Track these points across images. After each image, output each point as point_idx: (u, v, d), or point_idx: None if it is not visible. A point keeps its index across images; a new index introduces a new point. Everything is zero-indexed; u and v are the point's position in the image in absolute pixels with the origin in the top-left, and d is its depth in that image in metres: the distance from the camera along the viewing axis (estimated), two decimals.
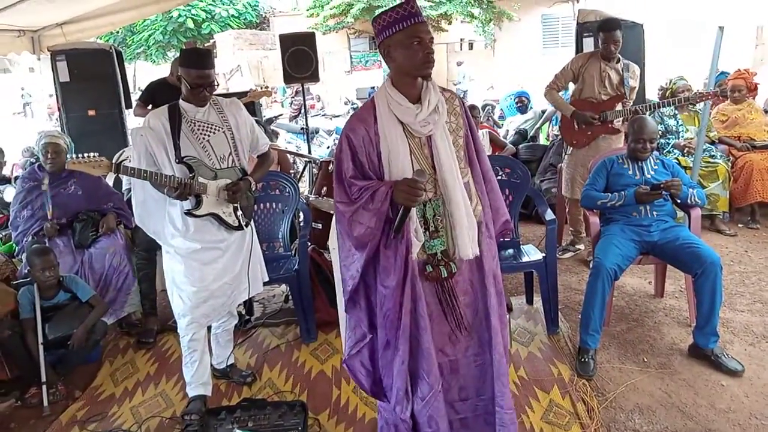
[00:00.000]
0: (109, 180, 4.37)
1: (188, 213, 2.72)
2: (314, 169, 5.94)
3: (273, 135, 7.66)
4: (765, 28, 13.27)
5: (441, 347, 2.23)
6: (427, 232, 2.12)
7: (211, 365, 3.15)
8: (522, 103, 7.89)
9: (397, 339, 2.13)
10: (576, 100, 4.60)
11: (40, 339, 3.20)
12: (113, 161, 2.69)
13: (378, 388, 2.31)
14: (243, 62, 19.33)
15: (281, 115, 10.84)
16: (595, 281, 3.22)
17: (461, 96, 2.29)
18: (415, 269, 2.11)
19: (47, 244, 3.59)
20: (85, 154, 2.60)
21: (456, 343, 2.25)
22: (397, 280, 2.09)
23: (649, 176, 3.57)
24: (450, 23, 20.50)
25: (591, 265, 3.33)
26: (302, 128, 7.97)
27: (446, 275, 2.14)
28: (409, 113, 2.05)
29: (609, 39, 4.32)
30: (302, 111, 9.16)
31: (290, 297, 3.97)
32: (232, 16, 22.04)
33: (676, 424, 2.73)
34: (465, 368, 2.28)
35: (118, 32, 20.73)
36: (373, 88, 16.68)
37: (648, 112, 4.42)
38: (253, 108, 6.11)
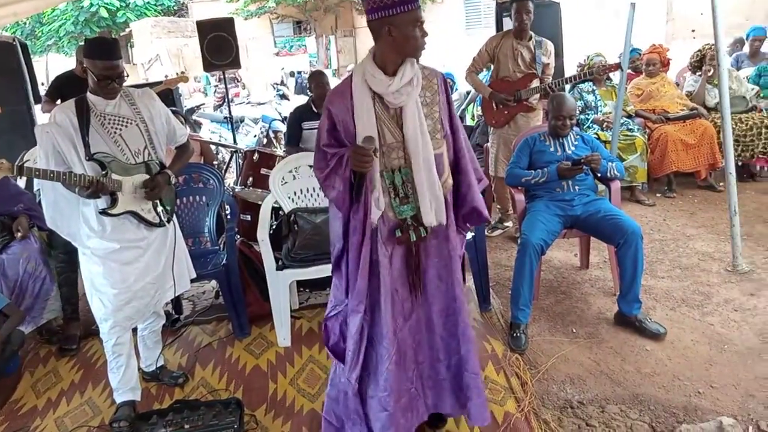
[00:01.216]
0: (21, 181, 4.12)
1: (103, 212, 2.59)
2: (240, 160, 5.80)
3: (196, 125, 7.44)
4: (675, 3, 13.84)
5: (407, 313, 2.32)
6: (398, 198, 2.23)
7: (140, 368, 3.03)
8: None
9: (356, 302, 2.24)
10: (494, 80, 4.70)
11: None
12: (15, 163, 2.52)
13: (336, 350, 2.39)
14: (162, 51, 18.66)
15: (204, 104, 10.55)
16: (522, 257, 3.28)
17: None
18: (372, 234, 2.22)
19: None
20: None
21: (425, 306, 2.34)
22: (357, 244, 2.21)
23: (569, 152, 3.65)
24: None
25: (519, 242, 3.38)
26: (226, 117, 7.77)
27: (415, 239, 2.24)
28: (382, 84, 2.14)
29: (521, 8, 4.40)
30: (224, 100, 8.94)
31: (220, 293, 3.86)
32: (148, 3, 21.22)
33: (605, 390, 2.83)
34: (431, 332, 2.37)
35: (24, 23, 19.60)
36: (299, 72, 16.42)
37: (559, 88, 4.52)
38: (172, 97, 5.91)
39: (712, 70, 5.70)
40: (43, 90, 5.70)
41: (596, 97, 5.55)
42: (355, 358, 2.29)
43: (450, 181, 2.33)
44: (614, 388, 2.85)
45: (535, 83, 4.52)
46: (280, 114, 9.65)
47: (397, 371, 2.29)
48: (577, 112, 5.21)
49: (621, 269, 3.31)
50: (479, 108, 7.39)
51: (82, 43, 3.01)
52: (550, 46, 4.56)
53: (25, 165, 2.48)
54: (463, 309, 2.37)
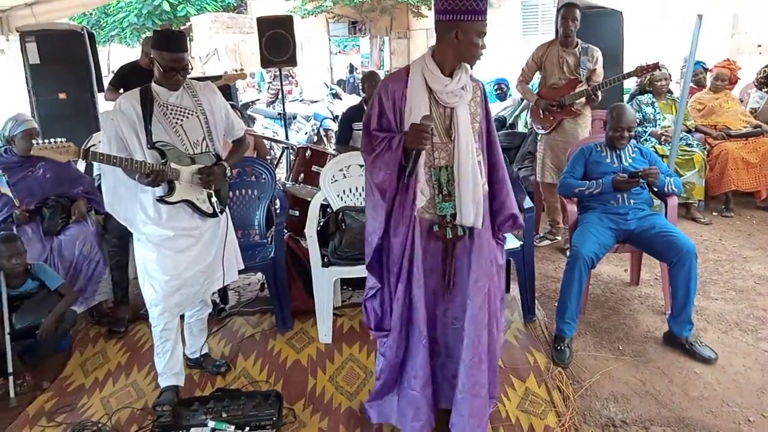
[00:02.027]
0: (81, 165, 4.26)
1: (160, 200, 2.65)
2: (291, 156, 5.87)
3: (249, 120, 7.55)
4: (741, 17, 13.39)
5: (437, 306, 2.43)
6: (440, 195, 2.31)
7: (184, 355, 3.10)
8: (501, 90, 7.88)
9: (397, 285, 2.35)
10: (542, 87, 4.73)
11: (7, 329, 3.11)
12: (82, 147, 2.61)
13: (380, 326, 2.48)
14: (220, 46, 19.02)
15: (258, 100, 10.71)
16: (572, 269, 3.22)
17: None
18: (417, 226, 2.32)
19: (15, 231, 3.50)
20: (52, 140, 2.52)
21: (452, 304, 2.42)
22: (404, 231, 2.31)
23: (626, 164, 3.56)
24: (430, 9, 20.35)
25: (568, 254, 3.32)
26: (279, 114, 7.88)
27: (451, 236, 2.33)
28: (440, 82, 2.24)
29: (567, 14, 4.42)
30: (278, 96, 9.05)
31: (266, 285, 3.91)
32: None
33: (650, 411, 2.75)
34: (443, 327, 2.46)
35: (91, 14, 20.27)
36: (352, 73, 16.56)
37: (602, 91, 4.44)
38: (229, 92, 6.01)
39: None
40: (106, 79, 5.88)
41: (655, 110, 5.41)
42: (398, 338, 2.42)
43: (486, 187, 2.40)
44: (659, 410, 2.76)
45: (580, 88, 4.48)
46: (332, 113, 9.73)
47: (426, 358, 2.40)
48: (635, 124, 5.09)
49: (673, 289, 3.21)
50: (530, 115, 7.33)
51: (148, 35, 3.09)
52: (596, 52, 4.51)
53: (91, 149, 2.56)
54: (499, 322, 2.51)
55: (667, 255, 3.23)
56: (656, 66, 4.30)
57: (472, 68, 2.32)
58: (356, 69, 16.67)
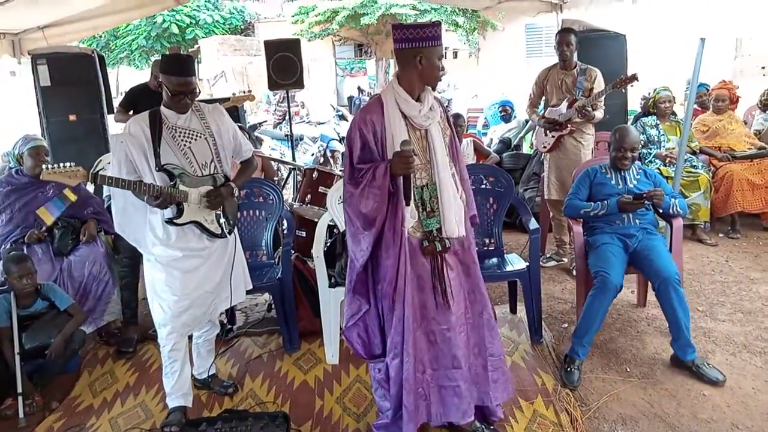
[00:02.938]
0: (90, 186, 4.31)
1: (169, 221, 2.68)
2: (298, 177, 5.91)
3: (257, 142, 7.62)
4: (744, 40, 13.48)
5: (434, 316, 2.54)
6: (425, 212, 2.48)
7: (192, 375, 3.10)
8: (506, 112, 7.93)
9: (395, 302, 2.46)
10: (545, 109, 4.83)
11: (17, 349, 3.13)
12: (91, 170, 2.65)
13: (370, 352, 2.61)
14: (227, 68, 19.25)
15: (265, 121, 10.79)
16: (601, 296, 3.20)
17: (446, 104, 2.65)
18: (406, 244, 2.43)
19: (25, 251, 3.53)
20: (61, 164, 2.57)
21: (447, 315, 2.53)
22: (396, 253, 2.42)
23: (631, 186, 3.59)
24: None
25: (596, 279, 3.27)
26: (286, 135, 7.94)
27: (440, 249, 2.49)
28: (414, 108, 2.42)
29: (562, 40, 4.56)
30: (286, 118, 9.12)
31: (273, 306, 3.93)
32: (217, 21, 21.96)
33: None
34: (456, 338, 2.55)
35: (100, 36, 20.53)
36: (359, 94, 16.69)
37: (591, 106, 4.48)
38: (237, 114, 6.08)
39: None
40: (115, 101, 5.95)
41: (659, 132, 5.44)
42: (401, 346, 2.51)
43: (464, 196, 2.61)
44: None
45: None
46: (338, 134, 9.79)
47: (413, 372, 2.49)
48: (640, 146, 5.12)
49: (665, 313, 3.23)
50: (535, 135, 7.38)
51: (158, 58, 3.14)
52: (594, 72, 4.58)
53: (99, 173, 2.59)
54: (488, 306, 2.66)
55: (652, 280, 3.26)
56: (634, 77, 4.35)
57: (434, 89, 2.52)
58: (364, 91, 16.82)
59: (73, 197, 3.74)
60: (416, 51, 2.34)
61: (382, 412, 2.69)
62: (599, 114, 4.52)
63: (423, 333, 2.54)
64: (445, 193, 2.47)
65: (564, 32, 4.60)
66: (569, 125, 4.59)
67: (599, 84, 4.56)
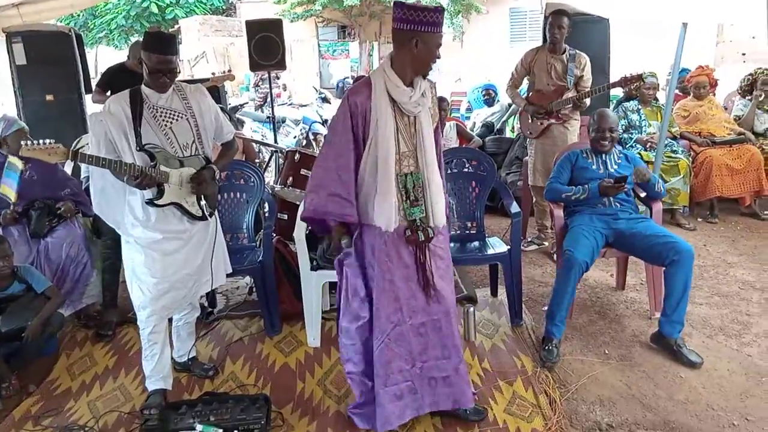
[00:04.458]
0: (68, 167, 4.24)
1: (149, 202, 2.65)
2: (280, 159, 5.86)
3: (238, 123, 7.54)
4: (725, 26, 13.57)
5: (423, 307, 2.51)
6: (408, 201, 2.42)
7: (172, 358, 3.09)
8: (489, 96, 7.92)
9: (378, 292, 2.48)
10: (531, 93, 4.79)
11: None
12: (71, 148, 2.60)
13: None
14: (209, 49, 18.99)
15: (247, 103, 10.68)
16: (567, 273, 3.23)
17: None
18: (385, 237, 2.41)
19: (1, 233, 3.47)
20: (41, 141, 2.50)
21: (436, 304, 2.52)
22: (371, 242, 2.45)
23: (612, 170, 3.61)
24: None
25: (562, 257, 3.32)
26: (268, 117, 7.87)
27: (423, 239, 2.43)
28: (404, 94, 2.34)
29: (554, 22, 4.46)
30: (266, 100, 9.04)
31: (254, 289, 3.91)
32: (198, 1, 21.61)
33: (636, 415, 2.78)
34: (446, 327, 2.54)
35: (79, 15, 20.13)
36: (342, 79, 16.57)
37: (611, 104, 4.48)
38: (218, 95, 6.00)
39: (763, 95, 5.59)
40: (93, 81, 5.85)
41: (641, 117, 5.47)
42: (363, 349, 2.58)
43: (443, 183, 2.57)
44: (645, 413, 2.79)
45: (568, 95, 4.53)
46: (321, 116, 9.73)
47: (389, 361, 2.48)
48: (621, 130, 5.14)
49: (669, 289, 3.22)
50: (519, 120, 7.39)
51: (137, 38, 3.07)
52: (584, 58, 4.56)
53: (80, 151, 2.55)
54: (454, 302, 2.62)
55: (666, 255, 3.21)
56: (639, 77, 4.34)
57: (425, 78, 2.42)
58: (343, 78, 16.68)
59: (19, 164, 3.59)
60: (413, 34, 2.26)
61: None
62: (587, 101, 4.53)
63: (412, 325, 2.52)
64: (433, 182, 2.44)
65: (557, 14, 4.48)
66: (559, 114, 4.56)
67: (588, 71, 4.55)
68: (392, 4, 2.36)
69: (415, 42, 2.27)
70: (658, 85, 5.64)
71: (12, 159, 3.59)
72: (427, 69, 2.38)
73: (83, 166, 4.19)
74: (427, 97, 2.42)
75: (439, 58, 2.35)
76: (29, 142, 2.48)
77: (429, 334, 2.54)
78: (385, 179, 2.35)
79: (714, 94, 6.09)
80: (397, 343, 2.50)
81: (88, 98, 5.76)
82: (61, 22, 8.86)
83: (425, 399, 2.60)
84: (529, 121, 4.73)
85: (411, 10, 2.24)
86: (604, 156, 3.64)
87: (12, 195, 3.58)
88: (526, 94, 4.85)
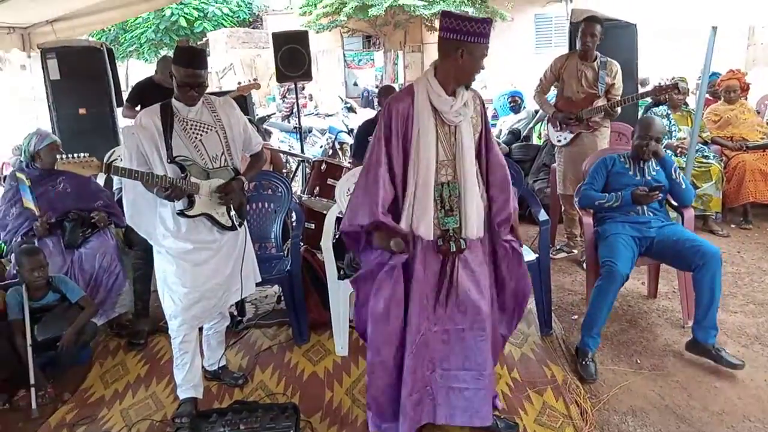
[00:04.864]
0: (100, 179, 4.33)
1: (180, 213, 2.69)
2: (307, 169, 5.90)
3: (265, 134, 7.62)
4: (757, 28, 13.31)
5: (436, 319, 2.48)
6: (443, 210, 2.40)
7: (203, 367, 3.12)
8: (515, 103, 7.89)
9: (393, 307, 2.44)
10: (559, 99, 4.71)
11: (29, 341, 3.16)
12: (104, 161, 2.66)
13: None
14: (236, 60, 19.24)
15: (274, 113, 10.78)
16: (608, 285, 3.18)
17: None
18: (418, 243, 2.40)
19: (36, 244, 3.55)
20: (75, 154, 2.56)
21: (463, 314, 2.47)
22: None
23: (649, 178, 3.55)
24: None
25: (603, 268, 3.25)
26: (295, 127, 7.93)
27: (455, 250, 2.40)
28: (445, 103, 2.33)
29: (587, 29, 4.38)
30: (293, 110, 9.11)
31: (282, 298, 3.94)
32: (225, 14, 21.91)
33: (669, 426, 2.73)
34: (456, 341, 2.51)
35: (110, 30, 20.53)
36: (366, 88, 16.64)
37: (640, 109, 4.42)
38: (245, 106, 6.07)
39: None
40: (125, 94, 5.97)
41: (671, 122, 5.40)
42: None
43: (484, 195, 2.51)
44: (679, 424, 2.74)
45: (598, 103, 4.47)
46: (346, 126, 9.78)
47: (414, 368, 2.44)
48: (663, 135, 5.08)
49: (698, 293, 3.17)
50: (546, 127, 7.34)
51: (166, 53, 3.13)
52: (615, 66, 4.49)
53: (113, 164, 2.60)
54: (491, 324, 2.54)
55: (692, 260, 3.18)
56: (675, 86, 4.27)
57: (468, 88, 2.41)
58: (366, 88, 16.78)
59: (24, 178, 3.70)
60: (459, 44, 2.25)
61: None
62: (619, 109, 4.47)
63: (436, 332, 2.50)
64: (469, 192, 2.40)
65: (590, 21, 4.39)
66: (590, 122, 4.50)
67: (619, 79, 4.49)
68: (440, 13, 2.37)
69: (461, 52, 2.26)
70: (688, 90, 5.56)
71: (18, 174, 3.73)
72: (470, 79, 2.37)
73: (116, 178, 4.27)
74: (469, 107, 2.39)
75: (483, 69, 2.34)
76: (64, 156, 2.55)
77: (452, 342, 2.52)
78: (425, 187, 2.35)
79: (746, 98, 5.97)
80: (421, 349, 2.48)
81: (119, 111, 5.87)
82: (93, 37, 9.08)
83: (441, 410, 2.55)
84: (558, 129, 4.67)
85: (458, 20, 2.25)
86: (642, 163, 3.58)
87: (32, 207, 3.68)
88: (554, 101, 4.79)
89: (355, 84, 18.17)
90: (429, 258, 2.42)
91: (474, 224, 2.42)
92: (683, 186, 3.54)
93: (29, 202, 3.68)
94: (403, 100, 2.35)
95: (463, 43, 2.25)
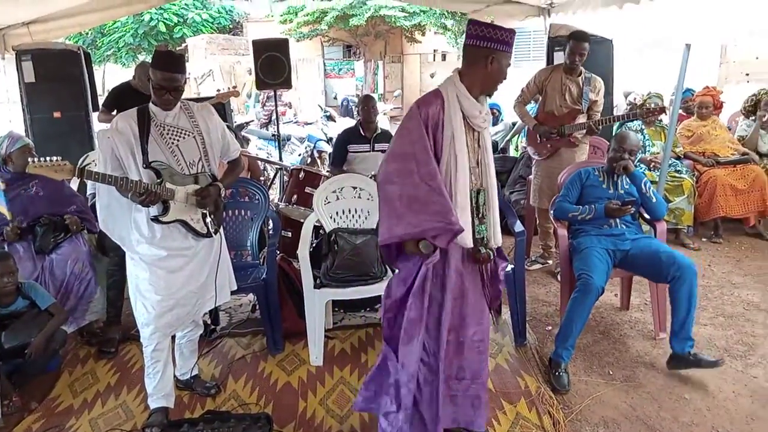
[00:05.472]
0: (74, 184, 4.27)
1: (155, 219, 2.66)
2: (285, 177, 5.89)
3: (244, 141, 7.58)
4: (729, 47, 13.62)
5: (472, 326, 2.48)
6: (477, 218, 2.38)
7: (174, 376, 3.07)
8: (493, 115, 7.95)
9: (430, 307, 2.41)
10: (540, 112, 4.69)
11: None
12: (77, 165, 2.62)
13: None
14: (215, 67, 19.13)
15: (252, 121, 10.74)
16: (583, 297, 3.20)
17: None
18: (454, 253, 2.36)
19: (6, 249, 3.49)
20: (48, 158, 2.52)
21: (481, 325, 2.49)
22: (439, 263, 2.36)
23: (622, 192, 3.60)
24: (423, 34, 20.61)
25: (578, 281, 3.27)
26: (273, 135, 7.91)
27: (487, 258, 2.40)
28: (475, 107, 2.34)
29: (576, 48, 4.35)
30: (271, 118, 9.08)
31: (257, 306, 3.91)
32: (205, 20, 21.79)
33: None
34: (469, 350, 2.50)
35: (87, 33, 20.30)
36: (346, 97, 16.65)
37: (615, 125, 4.47)
38: (224, 112, 6.04)
39: (766, 116, 5.60)
40: (101, 98, 5.90)
41: (644, 137, 5.48)
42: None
43: None
44: None
45: (581, 119, 4.49)
46: (325, 135, 9.78)
47: (431, 375, 2.43)
48: (638, 150, 5.16)
49: (675, 305, 3.21)
50: (524, 140, 7.41)
51: (144, 58, 3.10)
52: (599, 82, 4.52)
53: (86, 168, 2.56)
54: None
55: (668, 272, 3.23)
56: (663, 110, 4.34)
57: (490, 97, 2.45)
58: (345, 97, 16.81)
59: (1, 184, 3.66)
60: (490, 51, 2.27)
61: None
62: (601, 126, 4.50)
63: (458, 341, 2.49)
64: (493, 199, 2.42)
65: (578, 41, 4.34)
66: (571, 138, 4.51)
67: (602, 95, 4.52)
68: (467, 21, 2.38)
69: (491, 59, 2.27)
70: (664, 108, 5.65)
71: None
72: (495, 87, 2.38)
73: (89, 183, 4.22)
74: (489, 115, 2.43)
75: (505, 78, 2.36)
76: (36, 159, 2.51)
77: (466, 352, 2.50)
78: (463, 193, 2.31)
79: (718, 115, 6.10)
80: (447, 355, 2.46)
81: (95, 116, 5.80)
82: (69, 40, 8.96)
83: (459, 416, 2.56)
84: (538, 141, 4.66)
85: (489, 28, 2.27)
86: (615, 177, 3.64)
87: (5, 211, 3.62)
88: (535, 114, 4.77)
89: (335, 98, 18.22)
90: (460, 266, 2.40)
91: (499, 232, 2.45)
92: (654, 200, 3.60)
93: (2, 207, 3.61)
94: (433, 104, 2.31)
95: (493, 51, 2.27)
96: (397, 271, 2.45)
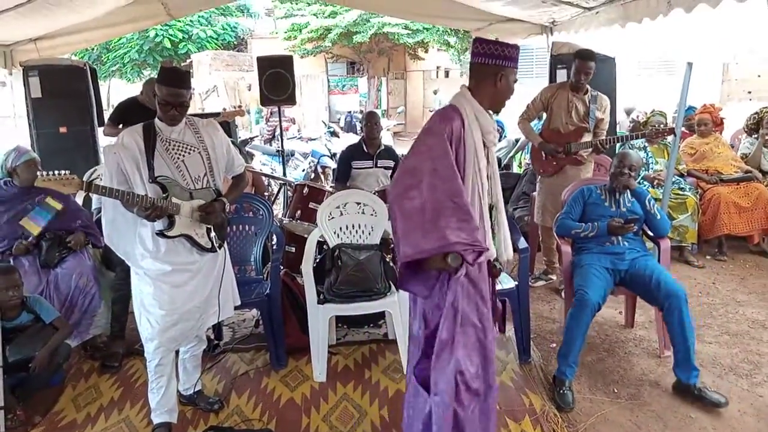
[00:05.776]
0: (79, 198, 4.29)
1: (160, 233, 2.67)
2: (289, 192, 5.91)
3: (248, 156, 7.62)
4: (731, 66, 13.70)
5: (491, 341, 2.42)
6: (492, 232, 2.40)
7: (178, 391, 3.07)
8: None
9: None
10: (545, 129, 4.68)
11: (0, 362, 3.09)
12: (84, 179, 2.63)
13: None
14: (219, 83, 19.26)
15: (256, 136, 10.80)
16: (579, 314, 3.21)
17: None
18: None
19: (12, 263, 3.50)
20: (55, 171, 2.55)
21: (492, 339, 2.43)
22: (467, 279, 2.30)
23: (624, 210, 3.61)
24: (427, 51, 20.79)
25: (575, 296, 3.29)
26: (278, 150, 7.95)
27: (496, 272, 2.42)
28: (490, 123, 2.35)
29: (582, 67, 4.35)
30: (276, 133, 9.13)
31: (261, 322, 3.90)
32: (210, 37, 21.97)
33: None
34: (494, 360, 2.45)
35: (93, 49, 20.44)
36: (349, 112, 16.76)
37: (618, 144, 4.48)
38: (228, 129, 6.08)
39: None
40: (106, 113, 5.94)
41: (648, 154, 5.50)
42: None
43: None
44: None
45: (587, 137, 4.49)
46: (329, 150, 9.82)
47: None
48: (640, 167, 5.17)
49: (670, 334, 3.22)
50: (527, 156, 7.43)
51: (150, 73, 3.13)
52: (605, 101, 4.52)
53: (93, 182, 2.58)
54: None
55: (657, 299, 3.25)
56: (671, 131, 4.35)
57: (497, 114, 2.46)
58: (349, 112, 16.92)
59: (57, 205, 3.69)
60: (498, 68, 2.29)
61: None
62: (608, 145, 4.52)
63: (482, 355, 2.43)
64: (502, 214, 2.43)
65: (584, 60, 4.34)
66: (577, 156, 4.51)
67: (608, 114, 4.54)
68: (473, 40, 2.38)
69: (500, 76, 2.29)
70: (666, 125, 5.68)
71: (51, 201, 3.69)
72: (503, 104, 2.40)
73: (95, 198, 4.24)
74: (497, 132, 2.43)
75: (513, 94, 2.38)
76: (45, 173, 2.53)
77: (486, 365, 2.44)
78: (483, 208, 2.33)
79: (721, 133, 6.12)
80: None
81: (100, 131, 5.84)
82: (75, 56, 9.06)
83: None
84: (543, 158, 4.65)
85: (496, 46, 2.28)
86: (617, 195, 3.65)
87: (35, 231, 3.66)
88: (540, 131, 4.75)
89: (337, 114, 18.43)
90: (481, 280, 2.35)
91: (510, 246, 2.45)
92: (658, 217, 3.61)
93: (35, 226, 3.65)
94: (455, 120, 2.27)
95: (502, 68, 2.29)
96: (421, 299, 2.32)
